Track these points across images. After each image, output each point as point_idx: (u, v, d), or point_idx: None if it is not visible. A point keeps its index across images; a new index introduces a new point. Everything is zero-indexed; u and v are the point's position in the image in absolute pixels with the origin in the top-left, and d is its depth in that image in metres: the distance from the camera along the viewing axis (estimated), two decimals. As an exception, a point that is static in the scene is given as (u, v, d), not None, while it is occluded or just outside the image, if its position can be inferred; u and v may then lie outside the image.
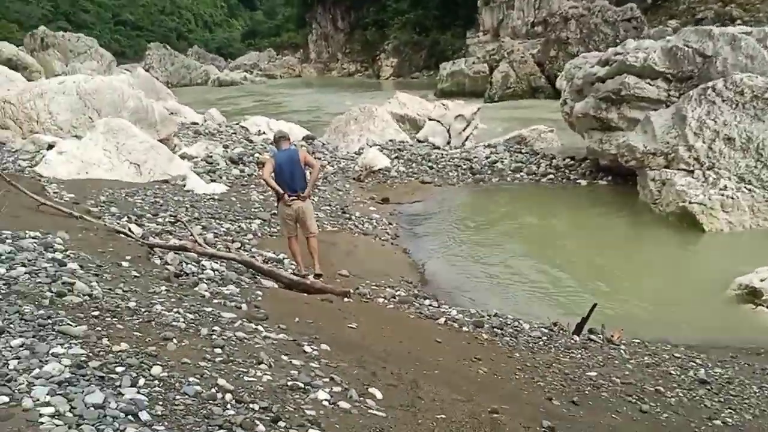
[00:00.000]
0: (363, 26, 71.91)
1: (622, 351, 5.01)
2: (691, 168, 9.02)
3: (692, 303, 6.71)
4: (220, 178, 11.41)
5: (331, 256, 7.61)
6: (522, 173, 12.79)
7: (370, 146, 14.67)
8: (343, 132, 15.96)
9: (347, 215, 9.83)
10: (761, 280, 6.20)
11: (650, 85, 10.71)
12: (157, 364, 2.94)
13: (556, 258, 8.18)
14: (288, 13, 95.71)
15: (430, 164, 13.58)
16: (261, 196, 10.24)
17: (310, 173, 6.78)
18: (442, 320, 5.51)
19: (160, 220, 7.74)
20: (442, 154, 14.41)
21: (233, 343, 3.58)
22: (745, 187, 8.58)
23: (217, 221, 8.28)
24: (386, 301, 6.17)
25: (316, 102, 35.37)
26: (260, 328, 4.07)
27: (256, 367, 3.20)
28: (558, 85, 15.08)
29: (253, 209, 9.41)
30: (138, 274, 4.86)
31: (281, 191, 6.47)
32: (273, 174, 6.40)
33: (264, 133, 18.34)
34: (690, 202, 8.62)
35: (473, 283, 7.57)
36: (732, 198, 8.51)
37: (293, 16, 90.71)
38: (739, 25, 30.58)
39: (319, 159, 13.03)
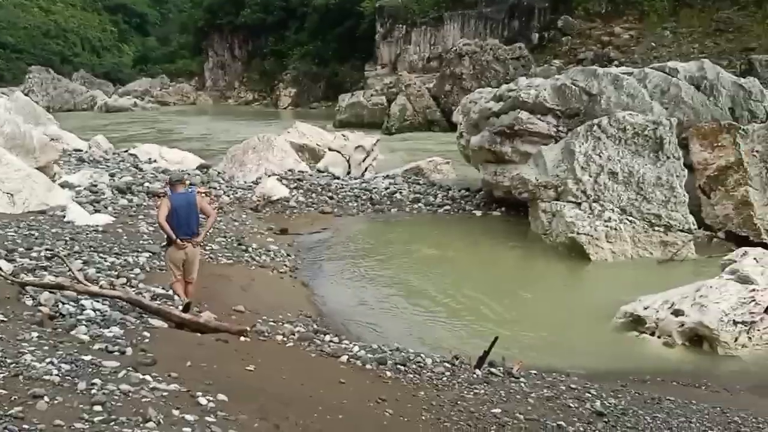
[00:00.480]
0: (261, 56, 71.33)
1: (522, 384, 5.03)
2: (579, 200, 9.44)
3: (583, 331, 6.93)
4: (106, 208, 10.69)
5: (227, 291, 7.24)
6: (420, 204, 12.93)
7: (269, 176, 14.34)
8: (241, 161, 15.52)
9: (243, 247, 9.45)
10: (644, 308, 6.49)
11: (541, 120, 11.19)
12: (24, 429, 2.55)
13: (453, 287, 8.27)
14: (183, 40, 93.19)
15: (330, 194, 13.44)
16: (150, 228, 9.64)
17: (205, 220, 6.70)
18: (344, 358, 5.32)
19: (34, 254, 7.07)
20: (341, 184, 14.32)
21: (116, 398, 3.21)
22: (627, 219, 9.07)
23: (101, 255, 7.67)
24: (285, 338, 5.91)
25: (212, 130, 34.46)
26: (148, 377, 3.70)
27: (142, 426, 2.86)
28: (454, 119, 15.54)
29: (141, 241, 8.82)
30: (4, 319, 4.34)
31: (173, 236, 6.29)
32: (168, 217, 6.23)
33: (155, 161, 17.52)
34: (578, 233, 9.00)
35: (374, 314, 7.47)
36: (615, 229, 8.98)
37: (188, 43, 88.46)
38: (616, 65, 33.15)
39: (214, 201, 12.59)
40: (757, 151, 9.27)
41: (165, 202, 6.43)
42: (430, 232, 11.10)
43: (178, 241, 6.22)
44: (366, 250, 9.93)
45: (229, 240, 9.70)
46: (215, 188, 13.39)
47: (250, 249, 9.38)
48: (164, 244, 6.60)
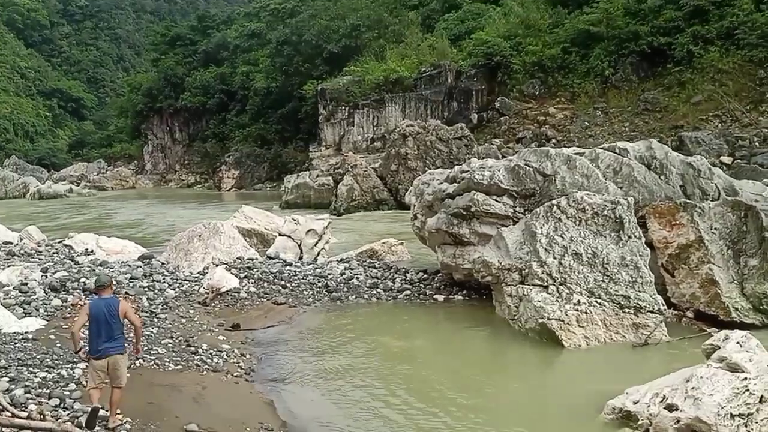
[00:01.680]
0: (203, 138, 71.07)
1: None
2: (546, 283, 9.17)
3: (569, 429, 6.46)
4: (37, 310, 9.73)
5: (176, 406, 6.46)
6: (378, 289, 12.44)
7: (217, 265, 13.62)
8: (186, 250, 14.76)
9: (193, 348, 8.68)
10: (634, 403, 6.11)
11: (497, 201, 11.07)
12: None
13: (424, 384, 7.72)
14: (121, 123, 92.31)
15: (282, 283, 12.79)
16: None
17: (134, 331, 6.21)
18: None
19: (-50, 374, 6.17)
20: (294, 271, 13.71)
21: None
22: (596, 302, 8.83)
23: (31, 370, 6.80)
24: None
25: (153, 215, 33.34)
26: None
27: None
28: (406, 200, 15.33)
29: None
30: None
31: (83, 354, 5.86)
32: (85, 326, 5.86)
33: (92, 252, 16.50)
34: (549, 318, 8.68)
35: (342, 420, 6.80)
36: (586, 313, 8.71)
37: (127, 127, 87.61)
38: (553, 143, 34.36)
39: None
40: (716, 229, 9.31)
41: (84, 310, 6.04)
42: (392, 321, 10.56)
43: (91, 359, 5.74)
44: (326, 345, 9.28)
45: (176, 341, 8.90)
46: (159, 281, 12.53)
47: (200, 350, 8.61)
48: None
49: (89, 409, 5.59)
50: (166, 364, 7.95)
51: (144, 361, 7.89)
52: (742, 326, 8.62)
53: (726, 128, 28.58)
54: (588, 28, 37.55)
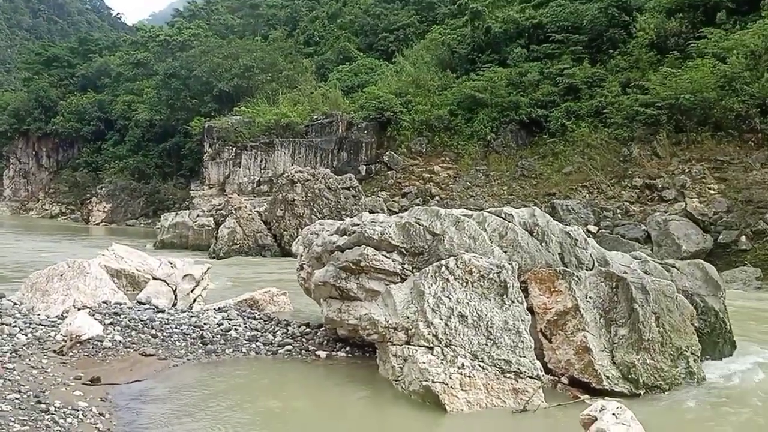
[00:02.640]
0: (73, 167, 66.67)
1: None
2: (431, 345, 9.12)
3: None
4: None
5: (17, 478, 5.59)
6: (258, 343, 11.84)
7: (78, 309, 12.41)
8: (43, 290, 13.37)
9: (43, 406, 7.68)
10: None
11: (387, 257, 10.98)
12: None
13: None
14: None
15: (153, 332, 11.83)
16: None
17: None
18: None
19: None
20: (167, 319, 12.77)
21: None
22: (479, 365, 8.87)
23: None
24: None
25: (7, 247, 30.32)
26: None
27: None
28: (294, 250, 14.93)
29: None
30: None
31: None
32: None
33: (-71, 288, 14.57)
34: (433, 381, 8.58)
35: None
36: (469, 376, 8.71)
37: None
38: (437, 200, 35.44)
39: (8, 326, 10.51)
40: (590, 297, 9.77)
41: None
42: (271, 378, 10.02)
43: None
44: (198, 404, 8.58)
45: (24, 397, 7.85)
46: (9, 324, 11.19)
47: (51, 408, 7.63)
48: None
49: None
50: (11, 424, 6.95)
51: (-21, 420, 6.86)
52: (612, 394, 9.01)
53: (593, 199, 30.89)
54: (474, 94, 39.68)
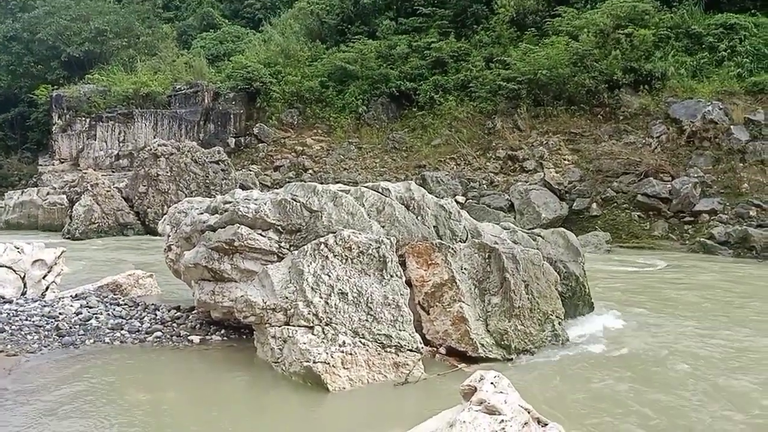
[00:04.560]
0: None
1: None
2: (311, 324, 8.94)
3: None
4: None
5: None
6: (123, 331, 11.03)
7: None
8: None
9: None
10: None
11: (262, 236, 10.59)
12: None
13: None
14: None
15: (0, 326, 10.65)
16: None
17: None
18: None
19: None
20: (16, 310, 11.56)
21: None
22: (360, 342, 8.83)
23: None
24: None
25: None
26: None
27: None
28: (160, 230, 14.01)
29: None
30: None
31: None
32: None
33: None
34: (314, 362, 8.43)
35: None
36: (351, 354, 8.64)
37: None
38: (310, 173, 35.07)
39: None
40: (465, 269, 10.03)
41: None
42: (139, 369, 9.35)
43: None
44: (58, 403, 7.81)
45: None
46: None
47: None
48: None
49: None
50: None
51: None
52: (488, 360, 9.37)
53: (460, 170, 32.02)
54: (344, 66, 39.44)
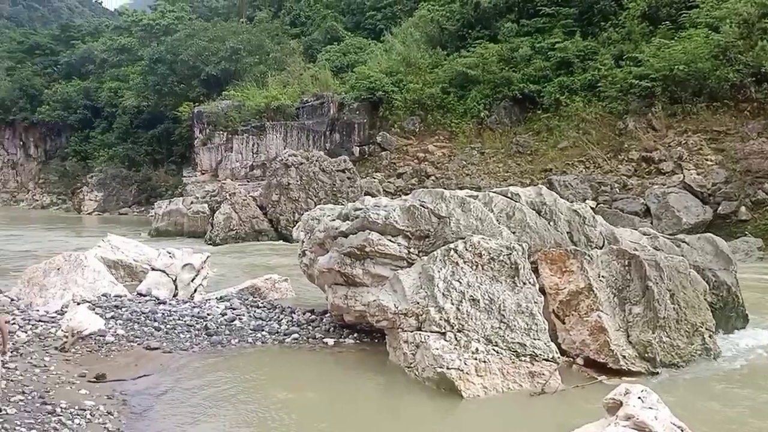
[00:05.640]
0: (62, 156, 65.80)
1: None
2: (443, 330, 8.94)
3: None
4: None
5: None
6: (264, 332, 11.62)
7: (78, 303, 12.15)
8: (41, 284, 13.09)
9: (49, 407, 7.46)
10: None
11: (392, 242, 10.75)
12: None
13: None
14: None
15: (156, 324, 11.59)
16: None
17: None
18: None
19: None
20: (169, 310, 12.54)
21: None
22: (493, 350, 8.71)
23: None
24: None
25: (3, 241, 29.88)
26: None
27: None
28: (294, 236, 14.69)
29: None
30: None
31: None
32: None
33: None
34: (447, 368, 8.42)
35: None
36: (484, 361, 8.55)
37: (-28, 138, 79.17)
38: (433, 179, 35.20)
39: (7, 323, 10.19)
40: (603, 276, 9.60)
41: None
42: (280, 369, 9.83)
43: None
44: (209, 398, 8.39)
45: (29, 398, 7.62)
46: (8, 321, 10.89)
47: (58, 409, 7.40)
48: None
49: None
50: (17, 428, 6.72)
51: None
52: (630, 373, 8.89)
53: (590, 173, 30.73)
54: (465, 71, 39.22)
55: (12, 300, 12.72)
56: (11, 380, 8.23)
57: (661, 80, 31.03)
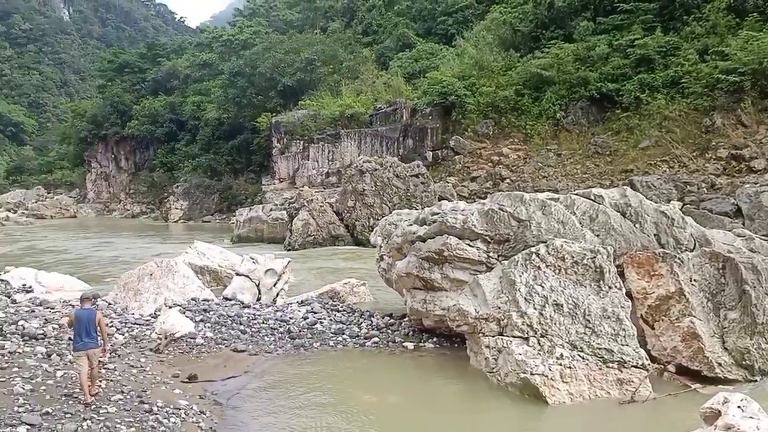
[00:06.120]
0: (150, 167, 69.16)
1: None
2: (526, 335, 8.81)
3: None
4: (-31, 360, 8.73)
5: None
6: (345, 335, 11.82)
7: (170, 307, 12.76)
8: (135, 290, 13.81)
9: (146, 406, 7.86)
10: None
11: (471, 246, 10.70)
12: None
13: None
14: (63, 150, 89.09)
15: (242, 328, 12.02)
16: (27, 386, 7.87)
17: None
18: None
19: None
20: (254, 314, 12.96)
21: None
22: (579, 355, 8.50)
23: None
24: None
25: (97, 248, 31.73)
26: None
27: None
28: (372, 241, 14.84)
29: (16, 408, 7.07)
30: None
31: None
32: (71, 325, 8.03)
33: (30, 288, 15.33)
34: (531, 373, 8.28)
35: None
36: (569, 367, 8.35)
37: (69, 153, 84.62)
38: (508, 182, 34.70)
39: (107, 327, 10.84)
40: (695, 280, 9.18)
41: (71, 314, 8.30)
42: (362, 372, 9.96)
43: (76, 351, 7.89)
44: (295, 399, 8.61)
45: (127, 397, 8.06)
46: (106, 324, 11.56)
47: (154, 408, 7.80)
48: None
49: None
50: (118, 426, 7.13)
51: (92, 422, 7.07)
52: (726, 382, 8.46)
53: (674, 173, 29.42)
54: (540, 72, 38.47)
55: (109, 304, 13.48)
56: (111, 380, 8.73)
57: (750, 74, 29.38)
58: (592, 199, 10.94)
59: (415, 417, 8.23)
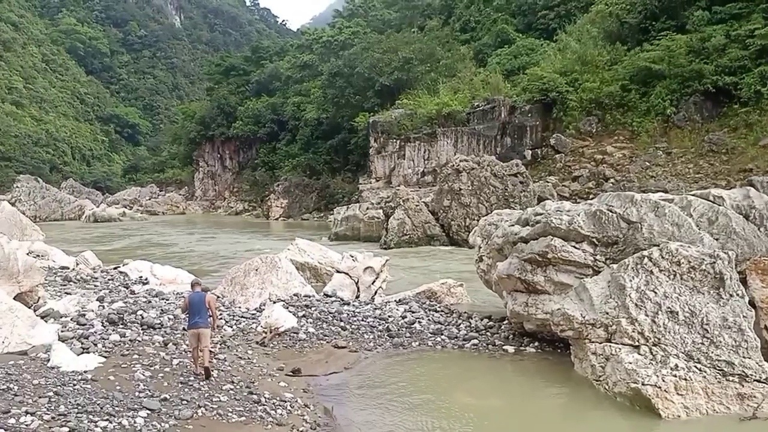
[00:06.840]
0: (252, 166, 72.11)
1: None
2: (637, 343, 8.39)
3: None
4: (95, 345, 9.40)
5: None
6: (443, 336, 11.74)
7: (274, 302, 13.19)
8: (242, 284, 14.39)
9: (255, 397, 8.15)
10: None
11: (576, 248, 10.32)
12: None
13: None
14: (174, 150, 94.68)
15: (342, 324, 12.22)
16: (147, 373, 8.37)
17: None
18: None
19: (11, 421, 5.76)
20: (353, 311, 13.15)
21: None
22: (695, 367, 7.99)
23: (90, 417, 6.37)
24: None
25: (205, 243, 33.45)
26: None
27: None
28: (471, 241, 14.68)
29: (137, 393, 7.54)
30: None
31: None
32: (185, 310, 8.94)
33: (146, 280, 16.35)
34: (643, 384, 7.86)
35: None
36: (685, 379, 7.86)
37: (179, 153, 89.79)
38: (612, 182, 33.29)
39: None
40: (831, 291, 8.39)
41: (186, 298, 9.05)
42: (461, 374, 9.85)
43: (188, 330, 8.82)
44: (395, 398, 8.65)
45: (237, 387, 8.40)
46: (216, 317, 12.13)
47: (263, 399, 8.07)
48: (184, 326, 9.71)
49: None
50: (229, 414, 7.44)
51: (206, 409, 7.42)
52: None
53: (800, 173, 27.14)
54: (649, 66, 36.66)
55: (218, 297, 14.11)
56: (222, 370, 9.12)
57: None
58: (710, 201, 10.25)
59: (518, 422, 8.05)
